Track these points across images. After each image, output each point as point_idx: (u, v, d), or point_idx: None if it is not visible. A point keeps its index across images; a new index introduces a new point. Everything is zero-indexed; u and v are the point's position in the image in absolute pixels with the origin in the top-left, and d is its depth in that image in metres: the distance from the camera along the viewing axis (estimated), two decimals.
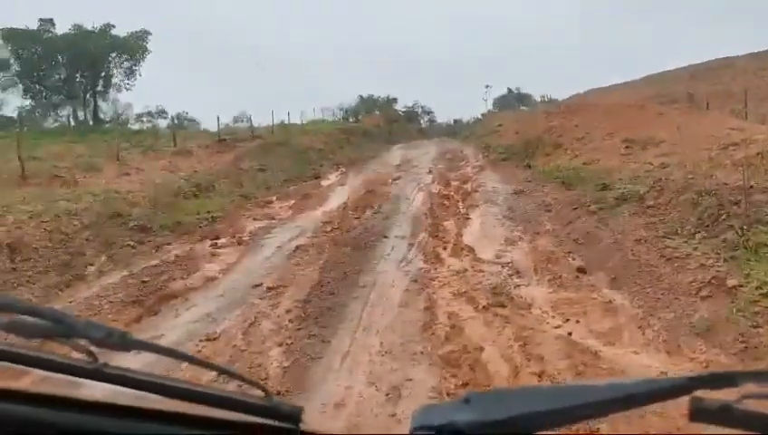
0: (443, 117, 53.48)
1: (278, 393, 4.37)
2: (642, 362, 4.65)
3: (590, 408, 0.64)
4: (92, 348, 0.59)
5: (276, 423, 0.59)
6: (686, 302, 5.65)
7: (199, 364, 0.65)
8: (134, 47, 31.45)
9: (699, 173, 9.15)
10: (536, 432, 0.66)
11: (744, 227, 6.71)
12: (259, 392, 0.63)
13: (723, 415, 0.56)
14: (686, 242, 7.11)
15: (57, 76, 31.71)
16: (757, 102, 20.76)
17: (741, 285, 5.55)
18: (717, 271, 6.01)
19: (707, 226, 7.34)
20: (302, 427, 0.59)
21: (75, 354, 0.60)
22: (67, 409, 0.53)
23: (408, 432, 0.66)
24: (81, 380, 0.59)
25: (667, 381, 0.62)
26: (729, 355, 4.62)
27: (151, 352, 0.62)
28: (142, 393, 0.59)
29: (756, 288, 5.40)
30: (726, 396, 0.57)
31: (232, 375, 0.71)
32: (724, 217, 7.26)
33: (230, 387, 0.65)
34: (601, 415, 0.66)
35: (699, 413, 0.58)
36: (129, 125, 34.13)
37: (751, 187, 7.44)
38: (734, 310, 5.18)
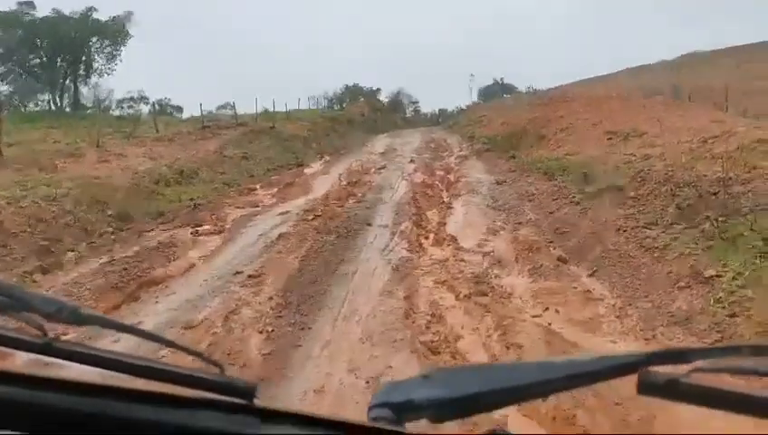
0: (428, 106, 53.51)
1: (260, 380, 4.37)
2: (620, 350, 4.70)
3: (547, 384, 0.65)
4: (44, 323, 0.58)
5: (231, 399, 0.58)
6: (664, 291, 5.71)
7: (154, 340, 0.64)
8: (115, 32, 31.03)
9: (680, 165, 9.23)
10: (495, 409, 0.66)
11: (722, 219, 6.78)
12: (214, 369, 0.62)
13: (670, 388, 0.57)
14: (665, 232, 7.18)
15: (37, 60, 31.23)
16: (739, 96, 20.96)
17: (718, 275, 5.62)
18: (695, 261, 6.08)
19: (687, 216, 7.41)
20: (257, 403, 0.59)
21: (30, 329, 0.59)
22: (11, 384, 0.52)
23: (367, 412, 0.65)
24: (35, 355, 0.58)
25: (622, 357, 0.62)
26: (705, 344, 4.68)
27: (103, 327, 0.61)
28: (93, 369, 0.58)
29: (733, 278, 5.46)
30: (679, 372, 0.58)
31: (186, 351, 0.70)
32: (702, 208, 7.34)
33: (185, 364, 0.64)
34: (559, 391, 0.66)
35: (647, 387, 0.58)
36: (110, 111, 33.76)
37: (729, 178, 7.52)
38: (711, 300, 5.25)
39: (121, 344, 4.15)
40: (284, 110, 29.79)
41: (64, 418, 0.54)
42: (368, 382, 4.26)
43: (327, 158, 19.73)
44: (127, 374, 0.60)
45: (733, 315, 4.91)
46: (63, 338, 0.60)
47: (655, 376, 0.58)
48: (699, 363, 0.58)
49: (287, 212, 10.57)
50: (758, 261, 5.69)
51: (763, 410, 0.56)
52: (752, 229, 6.25)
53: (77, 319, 0.58)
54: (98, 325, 0.61)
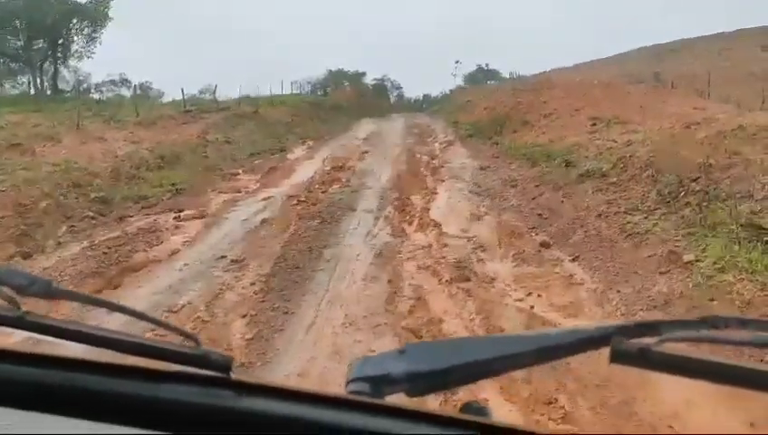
0: (412, 92, 53.37)
1: (241, 365, 4.37)
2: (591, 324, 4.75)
3: (520, 357, 0.65)
4: (15, 296, 0.57)
5: (207, 372, 0.58)
6: (644, 276, 5.77)
7: (130, 314, 0.64)
8: (95, 14, 30.52)
9: (661, 151, 9.30)
10: (470, 382, 0.67)
11: (703, 204, 6.86)
12: (190, 343, 0.62)
13: (641, 357, 0.58)
14: (646, 218, 7.26)
15: (15, 42, 30.67)
16: (721, 83, 21.16)
17: (698, 260, 5.69)
18: (675, 246, 6.15)
19: (667, 202, 7.50)
20: (232, 376, 0.58)
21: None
22: None
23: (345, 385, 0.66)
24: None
25: (594, 330, 0.63)
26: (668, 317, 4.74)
27: (77, 301, 0.61)
28: (67, 343, 0.58)
29: (712, 263, 5.54)
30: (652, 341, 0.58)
31: (162, 325, 0.70)
32: (683, 194, 7.42)
33: (162, 338, 0.64)
34: (533, 364, 0.67)
35: (619, 355, 0.59)
36: (90, 94, 33.31)
37: (710, 165, 7.60)
38: (691, 284, 5.32)
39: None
40: (268, 94, 29.58)
41: (37, 391, 0.53)
42: (351, 366, 4.27)
43: (311, 143, 19.64)
44: (101, 348, 0.59)
45: (711, 300, 4.98)
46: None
47: (627, 345, 0.59)
48: (669, 334, 0.58)
49: (270, 197, 10.52)
50: (737, 246, 5.77)
51: (731, 377, 0.57)
52: (731, 215, 6.34)
53: (49, 292, 0.57)
54: (69, 299, 0.60)
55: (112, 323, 3.57)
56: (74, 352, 0.57)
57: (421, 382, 0.65)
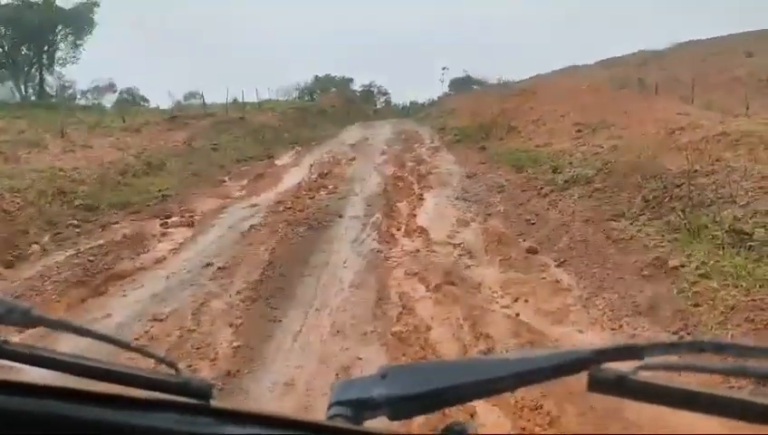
0: (399, 98, 53.36)
1: (227, 373, 4.35)
2: (587, 339, 4.78)
3: (501, 381, 0.65)
4: None
5: (187, 400, 0.58)
6: (630, 282, 5.81)
7: (108, 341, 0.63)
8: (80, 19, 30.34)
9: (646, 156, 9.39)
10: (451, 405, 0.67)
11: (687, 210, 6.92)
12: (169, 369, 0.62)
13: (619, 386, 0.58)
14: (631, 224, 7.31)
15: (0, 49, 30.44)
16: (705, 88, 21.34)
17: (682, 266, 5.74)
18: (660, 252, 6.19)
19: (652, 208, 7.56)
20: (213, 403, 0.58)
21: None
22: None
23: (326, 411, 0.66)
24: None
25: (574, 353, 0.63)
26: (670, 333, 4.77)
27: (56, 329, 0.60)
28: (46, 371, 0.57)
29: (696, 269, 5.58)
30: (631, 367, 0.59)
31: (141, 352, 0.69)
32: (668, 199, 7.49)
33: (141, 364, 0.64)
34: (513, 388, 0.67)
35: (596, 384, 0.59)
36: (75, 100, 33.08)
37: (695, 170, 7.67)
38: (676, 290, 5.36)
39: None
40: (255, 100, 29.52)
41: (15, 420, 0.53)
42: (338, 375, 4.27)
43: (298, 149, 19.60)
44: (80, 376, 0.59)
45: (696, 305, 5.02)
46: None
47: (604, 373, 0.59)
48: (647, 360, 0.59)
49: (257, 204, 10.50)
50: (721, 252, 5.82)
51: (713, 407, 0.57)
52: (715, 221, 6.40)
53: (28, 320, 0.57)
54: (50, 327, 0.59)
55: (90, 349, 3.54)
56: (49, 379, 0.56)
57: (403, 406, 0.65)
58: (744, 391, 2.88)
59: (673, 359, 0.59)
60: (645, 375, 0.57)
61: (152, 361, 0.67)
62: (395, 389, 0.65)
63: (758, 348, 0.56)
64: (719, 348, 0.57)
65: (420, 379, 0.67)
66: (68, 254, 7.43)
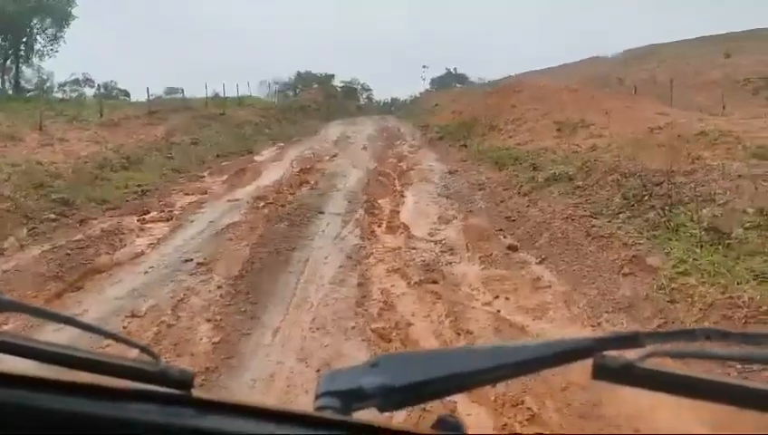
0: (381, 95, 53.32)
1: (206, 370, 4.30)
2: (567, 336, 4.79)
3: (497, 371, 0.64)
4: None
5: (166, 389, 0.55)
6: (609, 279, 5.85)
7: (85, 328, 0.60)
8: (58, 11, 29.87)
9: (625, 155, 9.47)
10: (443, 396, 0.65)
11: (666, 208, 6.99)
12: (149, 358, 0.59)
13: (625, 373, 0.57)
14: (610, 221, 7.37)
15: None
16: (684, 89, 21.63)
17: (661, 263, 5.79)
18: (639, 250, 6.24)
19: (632, 206, 7.62)
20: (194, 393, 0.56)
21: None
22: None
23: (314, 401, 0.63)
24: None
25: (573, 342, 0.61)
26: (648, 329, 4.81)
27: (28, 314, 0.58)
28: (22, 360, 0.55)
29: (674, 266, 5.64)
30: (631, 356, 0.58)
31: (119, 340, 0.67)
32: (647, 197, 7.55)
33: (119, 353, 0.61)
34: (509, 377, 0.66)
35: (602, 372, 0.58)
36: (53, 94, 32.60)
37: (674, 169, 7.75)
38: (654, 287, 5.40)
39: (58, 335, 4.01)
40: (235, 95, 29.29)
41: None
42: (318, 371, 4.24)
43: (279, 144, 19.50)
44: (57, 365, 0.56)
45: (674, 302, 5.07)
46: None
47: (610, 361, 0.58)
48: (652, 348, 0.57)
49: (237, 200, 10.42)
50: (699, 250, 5.88)
51: (715, 394, 0.56)
52: (693, 219, 6.47)
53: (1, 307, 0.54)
54: (20, 312, 0.57)
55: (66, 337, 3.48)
56: (23, 368, 0.54)
57: (393, 396, 0.63)
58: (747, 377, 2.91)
59: (678, 347, 0.57)
60: (650, 363, 0.56)
61: (130, 350, 0.64)
62: (386, 378, 0.63)
63: (764, 335, 0.55)
64: (724, 336, 0.56)
65: (411, 368, 0.65)
66: (45, 248, 7.31)
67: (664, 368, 0.57)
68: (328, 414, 0.60)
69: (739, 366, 3.53)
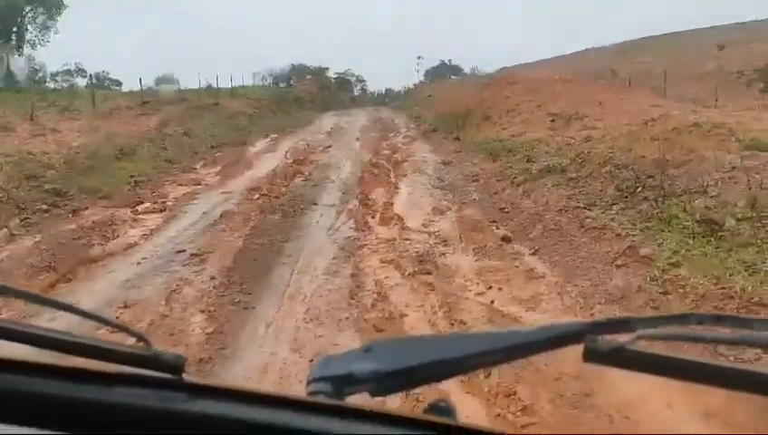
0: (375, 86, 53.27)
1: (200, 360, 4.30)
2: (562, 320, 4.81)
3: (490, 356, 0.64)
4: None
5: (158, 374, 0.55)
6: (602, 270, 5.87)
7: (77, 313, 0.60)
8: (50, 1, 29.62)
9: (619, 147, 9.49)
10: (436, 381, 0.65)
11: (659, 200, 7.01)
12: (140, 343, 0.59)
13: (615, 356, 0.57)
14: (604, 213, 7.38)
15: None
16: (677, 81, 21.65)
17: (654, 254, 5.81)
18: (632, 241, 6.27)
19: (625, 197, 7.65)
20: (185, 377, 0.56)
21: None
22: None
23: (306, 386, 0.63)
24: None
25: (565, 327, 0.62)
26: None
27: (20, 299, 0.57)
28: (14, 344, 0.54)
29: (667, 257, 5.66)
30: (627, 339, 0.58)
31: (110, 324, 0.66)
32: (640, 189, 7.58)
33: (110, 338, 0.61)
34: (502, 362, 0.66)
35: (592, 354, 0.58)
36: (45, 84, 32.39)
37: (666, 160, 7.77)
38: (647, 278, 5.42)
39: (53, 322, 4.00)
40: (228, 86, 29.17)
41: None
42: (312, 361, 4.24)
43: (273, 136, 19.44)
44: (49, 350, 0.56)
45: (666, 293, 5.09)
46: None
47: (600, 343, 0.58)
48: (644, 332, 0.58)
49: (231, 191, 10.39)
50: (691, 241, 5.91)
51: (709, 377, 0.56)
52: (686, 211, 6.49)
53: None
54: (12, 296, 0.56)
55: (58, 322, 3.48)
56: (16, 353, 0.53)
57: (386, 381, 0.63)
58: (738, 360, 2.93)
59: (669, 330, 0.58)
60: (641, 346, 0.56)
61: (121, 335, 0.64)
62: (378, 364, 0.63)
63: (756, 319, 0.55)
64: (717, 320, 0.57)
65: (405, 353, 0.65)
66: (37, 239, 7.28)
67: (654, 351, 0.57)
68: (320, 399, 0.60)
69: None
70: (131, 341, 0.63)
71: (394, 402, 2.98)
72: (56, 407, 0.52)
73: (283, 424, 0.52)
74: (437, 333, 3.93)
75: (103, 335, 2.91)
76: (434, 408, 0.66)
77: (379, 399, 0.65)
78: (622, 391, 3.53)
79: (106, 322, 0.65)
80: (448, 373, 0.66)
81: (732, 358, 3.49)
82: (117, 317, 5.04)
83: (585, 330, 0.59)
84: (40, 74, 35.53)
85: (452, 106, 21.38)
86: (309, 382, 0.64)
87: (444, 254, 6.77)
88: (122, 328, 0.64)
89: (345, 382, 0.63)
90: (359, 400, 0.63)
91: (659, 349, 0.57)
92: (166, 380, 0.55)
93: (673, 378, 0.57)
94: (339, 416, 0.54)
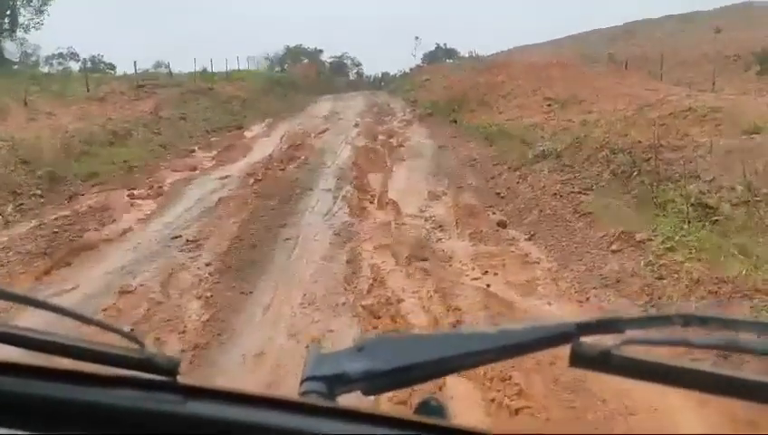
0: (372, 70, 52.95)
1: (196, 346, 4.31)
2: (554, 312, 4.84)
3: (480, 355, 0.64)
4: None
5: (152, 376, 0.56)
6: (597, 255, 5.89)
7: (70, 315, 0.60)
8: None
9: (615, 131, 9.49)
10: (428, 380, 0.66)
11: (654, 184, 7.03)
12: (134, 345, 0.59)
13: (601, 361, 0.57)
14: (599, 197, 7.40)
15: None
16: (674, 65, 21.62)
17: (649, 239, 5.83)
18: (627, 226, 6.28)
19: (621, 182, 7.66)
20: (179, 379, 0.56)
21: None
22: None
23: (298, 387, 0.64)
24: None
25: (555, 327, 0.62)
26: (635, 305, 4.87)
27: (11, 301, 0.57)
28: (5, 346, 0.54)
29: (662, 242, 5.69)
30: (613, 341, 0.58)
31: (104, 327, 0.66)
32: (636, 174, 7.59)
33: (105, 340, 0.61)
34: (492, 361, 0.66)
35: (579, 359, 0.58)
36: (38, 68, 32.13)
37: (662, 145, 7.78)
38: (642, 263, 5.45)
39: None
40: (223, 69, 28.98)
41: None
42: (308, 347, 4.25)
43: (268, 120, 19.35)
44: (43, 352, 0.56)
45: (661, 278, 5.12)
46: None
47: (587, 348, 0.58)
48: (631, 334, 0.58)
49: (227, 176, 10.36)
50: (686, 226, 5.94)
51: (690, 382, 0.57)
52: (681, 195, 6.51)
53: None
54: (5, 299, 0.56)
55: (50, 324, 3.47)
56: (8, 356, 0.53)
57: (379, 381, 0.64)
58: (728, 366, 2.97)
59: (658, 333, 0.58)
60: (628, 350, 0.57)
61: (116, 336, 0.64)
62: (371, 363, 0.64)
63: (744, 321, 0.56)
64: (704, 321, 0.57)
65: (398, 352, 0.65)
66: (32, 224, 7.26)
67: (641, 356, 0.57)
68: (312, 399, 0.61)
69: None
70: (126, 342, 0.63)
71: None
72: (49, 409, 0.52)
73: (276, 425, 0.52)
74: (429, 332, 3.94)
75: (96, 337, 2.91)
76: (425, 405, 0.67)
77: (372, 397, 0.65)
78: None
79: (99, 324, 0.65)
80: (439, 373, 0.67)
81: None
82: (114, 303, 5.05)
83: (573, 331, 0.60)
84: (33, 58, 35.25)
85: (448, 90, 21.30)
86: (302, 382, 0.64)
87: (440, 239, 6.78)
88: (116, 330, 0.64)
89: (337, 382, 0.63)
90: (351, 398, 0.64)
91: (647, 352, 0.57)
92: (160, 382, 0.55)
93: (659, 383, 0.57)
94: (331, 417, 0.54)
